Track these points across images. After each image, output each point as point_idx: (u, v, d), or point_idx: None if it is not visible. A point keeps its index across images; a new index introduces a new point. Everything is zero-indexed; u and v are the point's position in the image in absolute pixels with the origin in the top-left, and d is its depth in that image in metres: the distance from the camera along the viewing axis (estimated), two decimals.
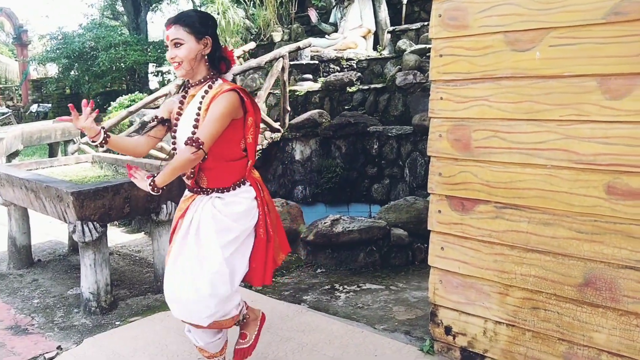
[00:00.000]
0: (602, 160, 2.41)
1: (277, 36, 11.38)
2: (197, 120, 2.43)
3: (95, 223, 3.73)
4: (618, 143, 2.36)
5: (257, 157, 7.94)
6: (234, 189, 2.52)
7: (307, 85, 8.81)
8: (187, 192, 2.63)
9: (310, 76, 9.17)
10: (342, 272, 4.73)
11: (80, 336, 3.58)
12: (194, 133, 2.39)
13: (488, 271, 2.83)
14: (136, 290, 4.37)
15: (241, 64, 8.33)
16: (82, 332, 3.64)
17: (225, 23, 11.14)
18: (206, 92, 2.45)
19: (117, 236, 5.91)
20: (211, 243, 2.46)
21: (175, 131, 2.54)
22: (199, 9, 18.11)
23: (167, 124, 2.62)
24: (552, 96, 2.52)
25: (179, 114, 2.55)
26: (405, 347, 3.23)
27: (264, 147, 7.56)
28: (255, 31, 11.86)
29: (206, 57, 2.46)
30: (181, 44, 2.38)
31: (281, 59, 7.37)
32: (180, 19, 2.41)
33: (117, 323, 3.76)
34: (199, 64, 2.46)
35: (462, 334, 3.00)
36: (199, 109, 2.43)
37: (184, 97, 2.55)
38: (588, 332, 2.55)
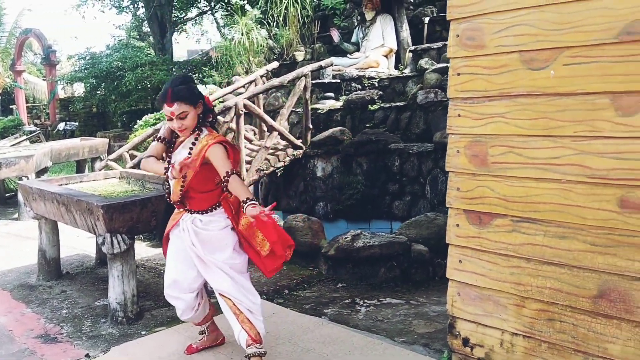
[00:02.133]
0: (615, 174, 2.47)
1: (299, 56, 11.55)
2: (188, 156, 3.00)
3: (123, 235, 3.86)
4: (630, 158, 2.43)
5: (279, 174, 8.08)
6: (210, 211, 3.12)
7: (329, 104, 8.94)
8: (176, 210, 3.23)
9: (332, 95, 9.30)
10: (362, 287, 4.80)
11: (107, 345, 3.70)
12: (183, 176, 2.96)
13: (505, 283, 2.90)
14: (161, 302, 4.48)
15: (264, 83, 8.50)
16: (109, 341, 3.76)
17: (248, 43, 11.35)
18: (193, 143, 3.04)
19: (142, 250, 6.05)
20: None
21: (167, 167, 3.05)
22: (222, 29, 18.41)
23: (166, 144, 3.17)
24: (567, 113, 2.60)
25: (169, 155, 3.15)
26: (424, 359, 3.29)
27: (286, 164, 7.68)
28: (278, 51, 12.05)
29: (200, 115, 3.05)
30: (186, 116, 2.95)
31: (303, 77, 7.52)
32: (180, 97, 2.92)
33: (143, 333, 3.88)
34: (194, 124, 3.04)
35: (479, 346, 3.06)
36: (188, 157, 2.98)
37: (175, 139, 3.17)
38: (603, 343, 2.59)
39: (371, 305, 4.36)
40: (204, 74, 14.93)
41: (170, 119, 2.98)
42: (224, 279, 3.07)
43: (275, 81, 7.42)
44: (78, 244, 6.42)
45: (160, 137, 3.18)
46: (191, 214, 3.14)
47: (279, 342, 3.55)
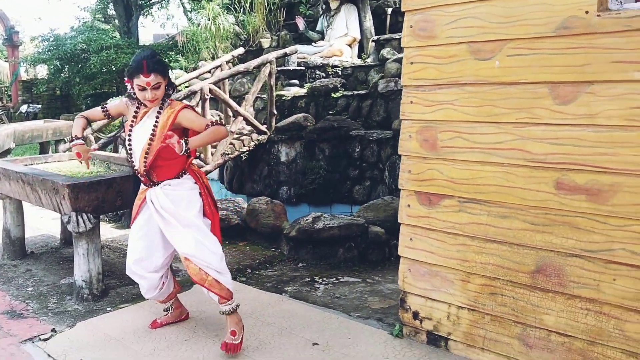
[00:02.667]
0: (552, 159, 2.68)
1: (265, 42, 11.64)
2: (153, 132, 3.16)
3: (89, 215, 3.95)
4: (566, 144, 2.64)
5: (244, 158, 8.20)
6: (178, 177, 3.27)
7: (293, 91, 9.07)
8: (142, 186, 3.36)
9: (296, 82, 9.43)
10: (322, 266, 4.97)
11: (73, 320, 3.80)
12: (150, 143, 3.15)
13: (452, 260, 3.10)
14: (126, 280, 4.57)
15: (229, 69, 8.58)
16: (75, 317, 3.86)
17: (215, 29, 11.39)
18: (159, 112, 3.19)
19: (107, 231, 6.12)
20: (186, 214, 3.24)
21: (130, 139, 3.26)
22: (189, 14, 18.25)
23: (109, 118, 3.55)
24: (509, 101, 2.79)
25: (131, 126, 3.27)
26: (377, 332, 3.48)
27: (250, 148, 7.80)
28: (244, 37, 12.11)
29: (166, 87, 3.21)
30: (159, 87, 3.12)
31: (268, 64, 7.64)
32: (156, 68, 3.08)
33: (108, 309, 3.98)
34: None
35: (428, 319, 3.26)
36: (156, 125, 3.16)
37: (136, 113, 3.28)
38: (539, 314, 2.81)
39: (329, 283, 4.54)
40: (171, 58, 14.88)
41: (143, 90, 3.10)
42: (189, 239, 3.15)
43: (241, 67, 7.52)
44: (42, 224, 6.45)
45: (107, 109, 3.40)
46: (158, 185, 3.26)
47: (242, 316, 3.70)
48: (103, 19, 18.25)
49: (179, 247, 3.21)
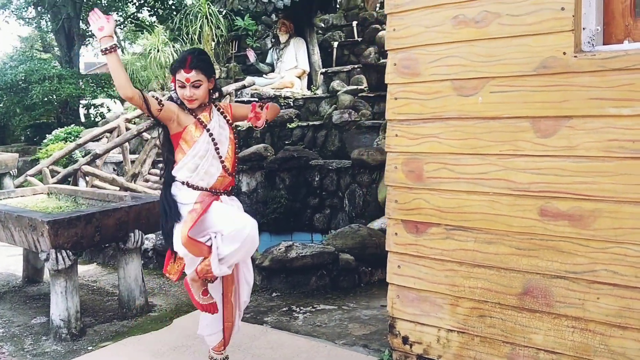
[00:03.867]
0: (536, 187, 2.87)
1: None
2: (231, 131, 3.17)
3: (68, 251, 3.90)
4: (548, 173, 2.83)
5: None
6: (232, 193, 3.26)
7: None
8: (194, 196, 3.03)
9: None
10: (296, 295, 5.04)
11: None
12: (236, 138, 3.21)
13: (440, 285, 3.24)
14: (100, 317, 4.52)
15: None
16: (55, 358, 3.78)
17: (164, 58, 11.36)
18: (220, 112, 3.17)
19: None
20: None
21: (216, 143, 3.07)
22: (121, 43, 17.95)
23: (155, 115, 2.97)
24: (493, 134, 2.98)
25: (206, 128, 3.05)
26: (367, 358, 3.58)
27: None
28: None
29: (209, 90, 3.11)
30: (200, 85, 2.99)
31: (228, 96, 7.72)
32: (199, 65, 2.97)
33: (89, 348, 3.92)
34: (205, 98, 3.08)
35: (418, 343, 3.38)
36: (227, 122, 3.17)
37: (193, 113, 3.06)
38: (528, 334, 2.98)
39: (307, 312, 4.60)
40: (114, 88, 14.68)
41: (183, 87, 2.97)
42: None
43: None
44: None
45: (162, 104, 2.94)
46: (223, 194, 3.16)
47: (229, 350, 3.71)
48: (42, 49, 17.85)
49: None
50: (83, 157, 9.04)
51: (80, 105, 15.43)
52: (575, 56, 2.72)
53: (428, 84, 3.18)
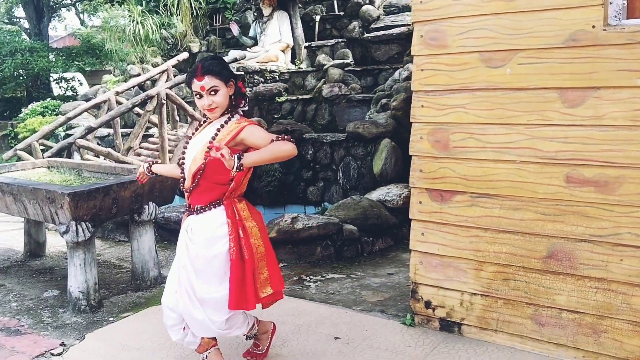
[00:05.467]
0: (562, 155, 3.01)
1: (194, 47, 11.55)
2: (212, 140, 2.74)
3: (87, 223, 3.90)
4: (575, 142, 2.97)
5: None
6: (209, 209, 2.83)
7: None
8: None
9: None
10: (303, 265, 5.13)
11: (77, 333, 3.74)
12: (207, 152, 2.69)
13: (464, 251, 3.37)
14: (114, 289, 4.54)
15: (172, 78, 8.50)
16: (78, 330, 3.80)
17: (144, 32, 11.17)
18: (222, 125, 2.79)
19: None
20: (190, 272, 2.84)
21: (184, 151, 2.91)
22: (81, 16, 17.39)
23: None
24: (520, 104, 3.10)
25: (189, 138, 2.95)
26: (389, 323, 3.70)
27: None
28: (172, 41, 11.96)
29: (230, 97, 2.84)
30: (217, 91, 2.74)
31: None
32: (210, 70, 2.73)
33: (110, 319, 3.94)
34: (226, 104, 2.82)
35: (440, 307, 3.52)
36: (215, 136, 2.75)
37: (199, 125, 2.97)
38: (551, 295, 3.14)
39: (318, 280, 4.70)
40: (86, 61, 14.36)
41: (200, 97, 2.77)
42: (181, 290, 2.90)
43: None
44: None
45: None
46: (191, 213, 2.89)
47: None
48: (7, 21, 17.29)
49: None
50: (64, 132, 8.92)
51: (51, 79, 15.03)
52: (605, 29, 2.84)
53: (455, 55, 3.27)
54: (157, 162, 3.19)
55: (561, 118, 3.00)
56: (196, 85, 2.74)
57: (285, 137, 2.71)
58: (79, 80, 15.13)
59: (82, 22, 19.70)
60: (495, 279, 3.30)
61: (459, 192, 3.35)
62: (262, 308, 3.05)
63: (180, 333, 2.97)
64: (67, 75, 15.04)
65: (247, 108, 2.93)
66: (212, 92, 2.74)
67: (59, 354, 3.46)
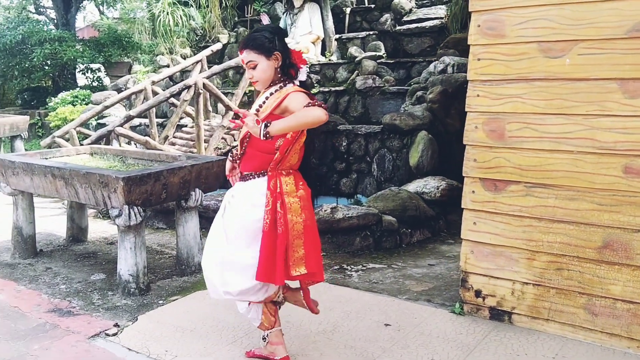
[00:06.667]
0: (621, 146, 3.01)
1: (223, 38, 11.62)
2: (257, 110, 2.78)
3: (139, 207, 3.97)
4: (634, 133, 2.97)
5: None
6: (254, 177, 2.82)
7: None
8: None
9: None
10: (342, 255, 5.17)
11: (129, 315, 3.81)
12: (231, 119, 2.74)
13: (517, 240, 3.39)
14: (159, 274, 4.61)
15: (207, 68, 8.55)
16: (129, 312, 3.87)
17: (173, 23, 11.25)
18: (272, 93, 2.79)
19: (108, 227, 6.04)
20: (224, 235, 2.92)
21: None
22: (101, 7, 17.58)
23: None
24: (579, 95, 3.10)
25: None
26: (438, 311, 3.73)
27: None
28: (200, 33, 12.04)
29: (278, 69, 2.81)
30: (255, 66, 2.76)
31: None
32: (249, 44, 2.75)
33: (160, 302, 4.01)
34: (271, 76, 2.81)
35: (491, 296, 3.54)
36: (261, 105, 2.79)
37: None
38: (606, 285, 3.15)
39: (359, 270, 4.74)
40: (112, 52, 14.45)
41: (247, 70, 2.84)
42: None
43: (232, 62, 7.56)
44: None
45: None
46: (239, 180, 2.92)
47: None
48: (34, 11, 17.47)
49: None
50: (96, 121, 9.03)
51: (79, 71, 15.16)
52: None
53: (513, 45, 3.28)
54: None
55: (621, 109, 3.00)
56: (239, 58, 2.86)
57: (317, 102, 2.64)
58: (105, 71, 15.24)
59: (102, 14, 19.83)
60: (548, 269, 3.32)
61: (513, 181, 3.37)
62: (301, 287, 3.06)
63: (246, 307, 3.03)
64: (94, 66, 15.16)
65: (304, 78, 2.89)
66: (252, 66, 2.77)
67: (114, 334, 3.52)
